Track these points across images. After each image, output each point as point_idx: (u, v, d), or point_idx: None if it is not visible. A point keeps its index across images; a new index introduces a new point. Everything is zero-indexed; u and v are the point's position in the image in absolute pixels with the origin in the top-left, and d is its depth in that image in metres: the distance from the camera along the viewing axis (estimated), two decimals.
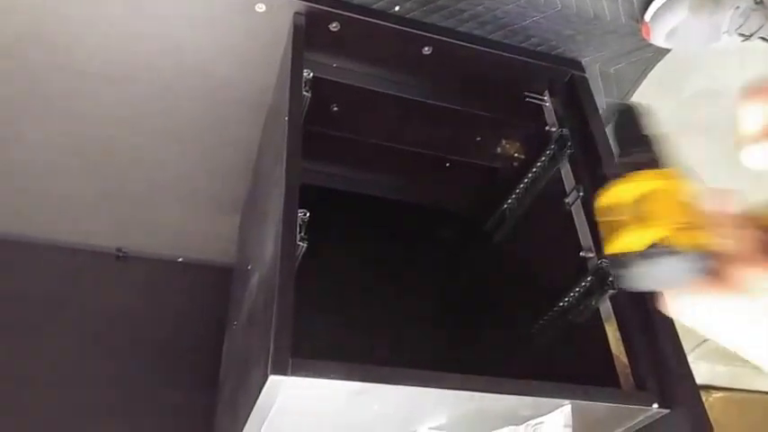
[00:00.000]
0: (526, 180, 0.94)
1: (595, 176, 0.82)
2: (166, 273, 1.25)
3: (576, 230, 0.81)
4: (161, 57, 0.92)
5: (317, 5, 0.82)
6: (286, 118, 0.68)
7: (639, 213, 0.45)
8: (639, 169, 0.47)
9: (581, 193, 0.82)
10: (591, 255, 0.77)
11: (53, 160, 1.09)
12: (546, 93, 0.94)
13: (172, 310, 1.20)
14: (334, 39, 0.84)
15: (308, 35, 0.80)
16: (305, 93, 0.73)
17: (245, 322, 0.75)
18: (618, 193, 0.46)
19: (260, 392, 0.51)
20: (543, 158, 0.90)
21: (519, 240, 0.80)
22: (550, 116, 0.92)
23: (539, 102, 0.93)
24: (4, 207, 1.17)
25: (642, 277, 0.43)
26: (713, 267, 0.42)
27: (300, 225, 0.60)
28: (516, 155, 0.96)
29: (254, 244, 0.84)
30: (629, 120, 0.54)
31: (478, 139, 0.96)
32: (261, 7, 0.82)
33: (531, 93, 0.93)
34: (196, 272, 1.26)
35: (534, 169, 0.92)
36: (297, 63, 0.75)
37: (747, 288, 0.40)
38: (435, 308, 0.63)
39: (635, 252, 0.43)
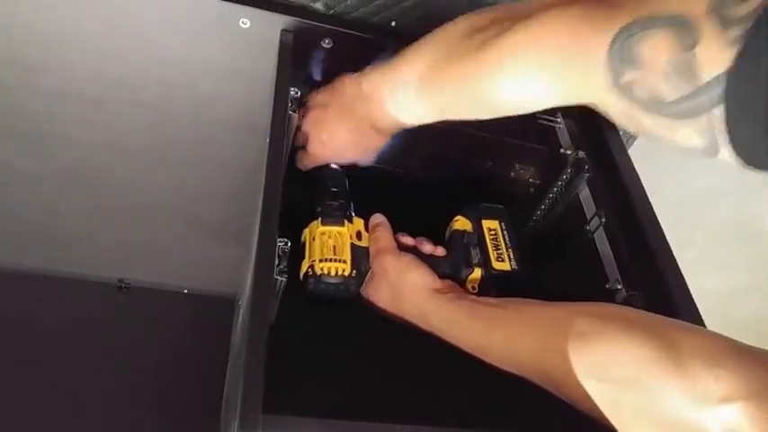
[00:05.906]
0: (543, 207, 0.86)
1: (618, 200, 0.74)
2: (171, 304, 1.18)
3: (600, 260, 0.72)
4: (145, 76, 0.86)
5: (307, 21, 0.76)
6: (267, 139, 0.61)
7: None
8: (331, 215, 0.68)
9: (603, 220, 0.74)
10: (618, 287, 0.68)
11: (42, 188, 1.03)
12: (558, 113, 0.86)
13: (177, 344, 1.13)
14: (327, 56, 0.78)
15: (298, 52, 0.74)
16: (290, 112, 0.66)
17: (232, 364, 0.67)
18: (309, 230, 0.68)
19: None
20: (560, 183, 0.82)
21: (537, 272, 0.72)
22: (564, 138, 0.84)
23: (551, 123, 0.86)
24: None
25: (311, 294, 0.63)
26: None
27: (280, 256, 0.52)
28: (531, 180, 0.88)
29: (245, 278, 0.76)
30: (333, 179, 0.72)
31: (490, 163, 0.88)
32: (245, 23, 0.76)
33: (542, 114, 0.85)
34: (202, 303, 1.19)
35: (551, 195, 0.84)
36: (282, 81, 0.68)
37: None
38: (446, 353, 0.54)
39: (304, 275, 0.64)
